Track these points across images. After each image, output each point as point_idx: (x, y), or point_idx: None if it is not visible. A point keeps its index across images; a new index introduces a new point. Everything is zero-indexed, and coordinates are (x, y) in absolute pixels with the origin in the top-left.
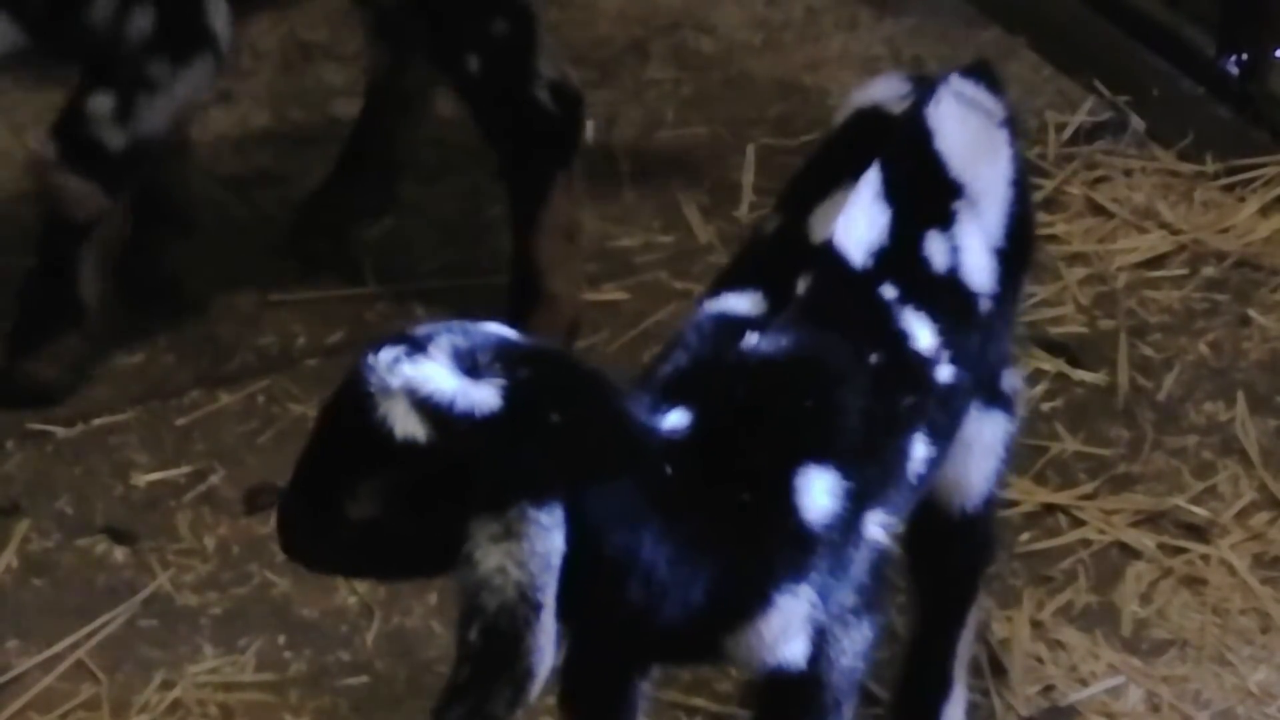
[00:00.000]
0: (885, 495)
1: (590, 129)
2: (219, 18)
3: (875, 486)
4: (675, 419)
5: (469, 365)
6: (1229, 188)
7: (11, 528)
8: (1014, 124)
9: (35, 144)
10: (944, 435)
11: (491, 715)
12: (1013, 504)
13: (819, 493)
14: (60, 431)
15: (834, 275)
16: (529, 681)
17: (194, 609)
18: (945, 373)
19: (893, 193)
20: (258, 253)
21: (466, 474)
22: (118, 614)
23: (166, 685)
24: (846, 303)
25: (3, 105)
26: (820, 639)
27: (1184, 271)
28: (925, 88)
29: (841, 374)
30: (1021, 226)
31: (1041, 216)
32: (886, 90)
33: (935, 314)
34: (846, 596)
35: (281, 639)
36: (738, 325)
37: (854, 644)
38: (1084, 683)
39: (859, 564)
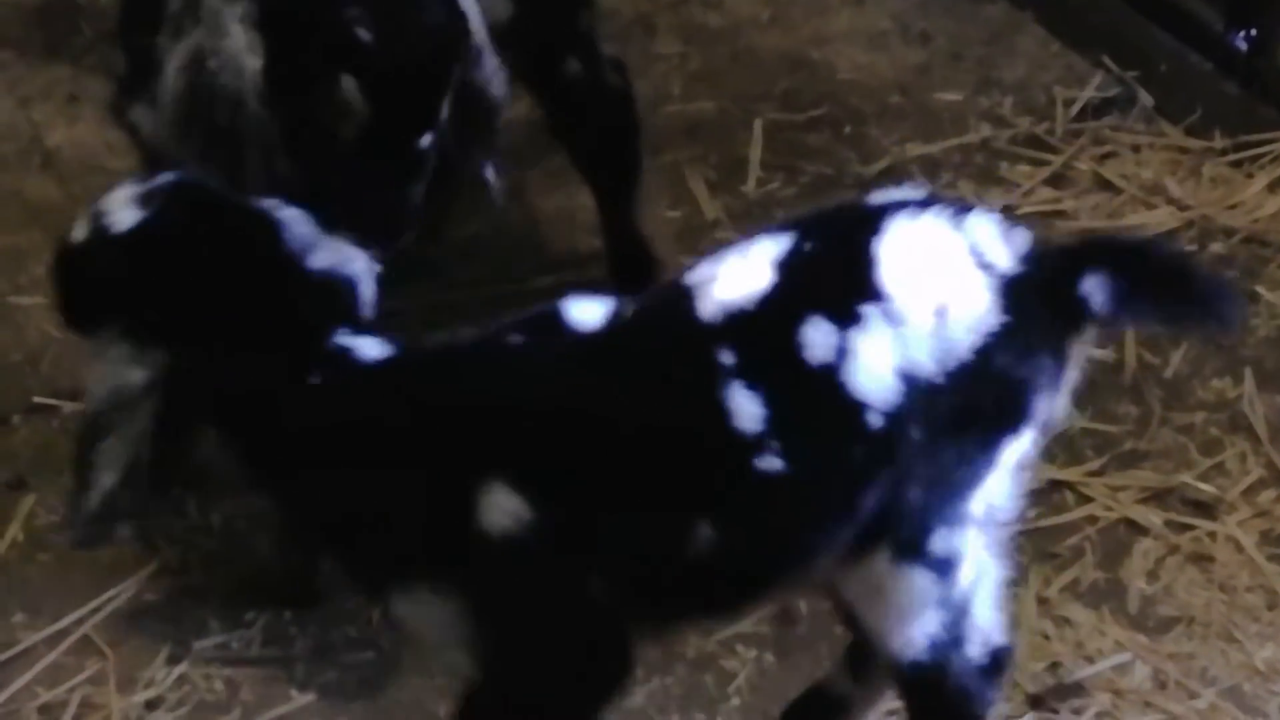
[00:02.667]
0: (622, 560)
1: (637, 141)
2: None
3: (605, 544)
4: (378, 351)
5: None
6: (1237, 164)
7: (18, 502)
8: (1021, 288)
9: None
10: (755, 527)
11: (76, 505)
12: None
13: (498, 511)
14: (67, 406)
15: (666, 318)
16: (85, 487)
17: (200, 584)
18: (768, 463)
19: (792, 264)
20: None
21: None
22: (124, 589)
23: (173, 660)
24: (662, 350)
25: (7, 79)
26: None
27: (1192, 248)
28: (926, 202)
29: (584, 416)
30: (994, 387)
31: (1049, 192)
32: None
33: (777, 400)
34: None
35: (287, 614)
36: (557, 330)
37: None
38: (1090, 659)
39: (547, 614)
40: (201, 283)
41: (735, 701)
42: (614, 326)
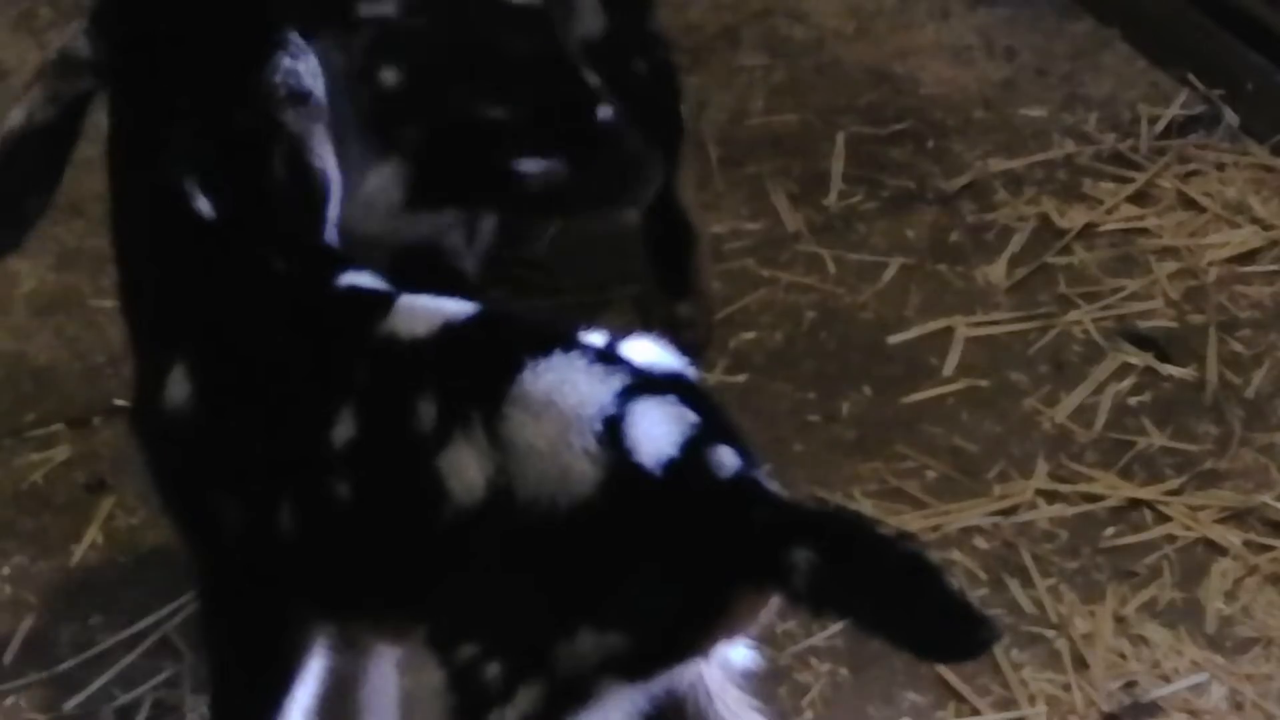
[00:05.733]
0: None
1: (681, 114)
2: None
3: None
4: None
5: None
6: None
7: (97, 504)
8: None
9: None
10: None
11: None
12: (1098, 498)
13: (176, 386)
14: None
15: (358, 309)
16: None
17: None
18: (340, 488)
19: (450, 335)
20: None
21: None
22: None
23: None
24: (330, 331)
25: None
26: None
27: (1275, 267)
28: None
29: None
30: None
31: (1132, 209)
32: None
33: (366, 440)
34: None
35: None
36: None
37: None
38: (1167, 679)
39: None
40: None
41: (809, 715)
42: (327, 295)
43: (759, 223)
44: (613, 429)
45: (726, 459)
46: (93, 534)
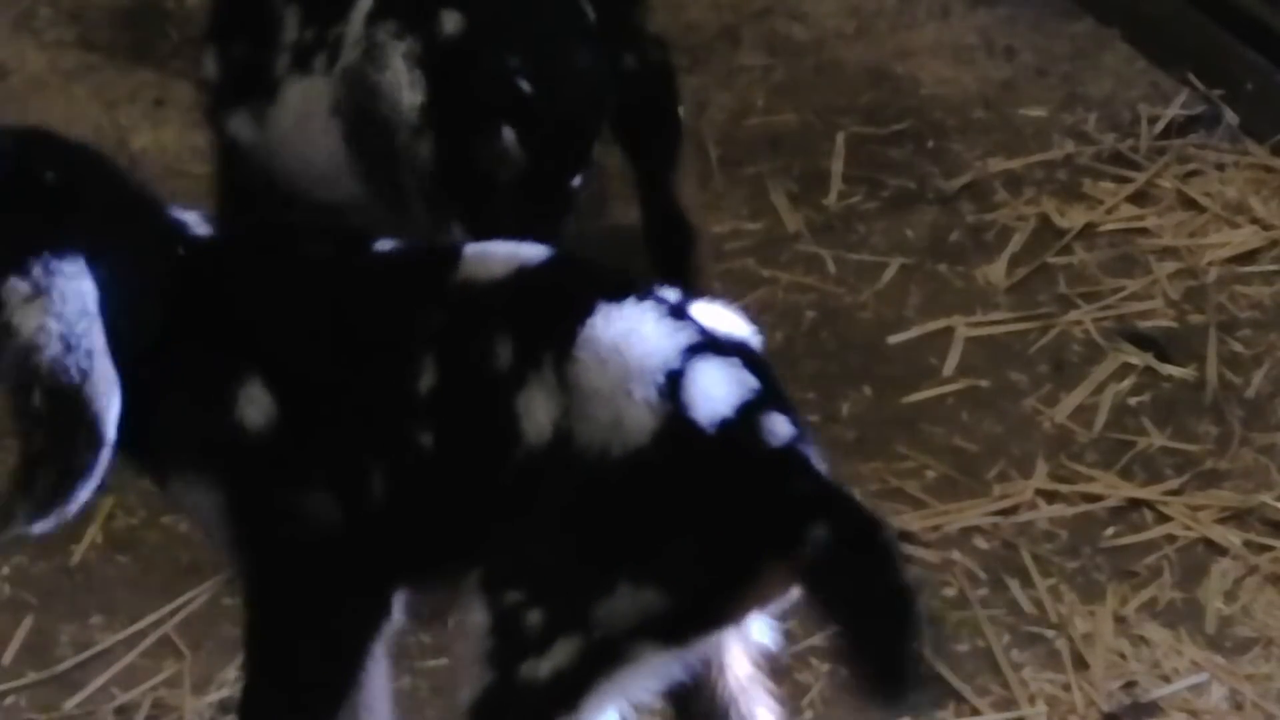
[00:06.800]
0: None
1: (680, 115)
2: None
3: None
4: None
5: None
6: None
7: (97, 504)
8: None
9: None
10: (409, 490)
11: (76, 470)
12: (1098, 498)
13: (252, 405)
14: None
15: (426, 268)
16: (101, 426)
17: None
18: (424, 436)
19: (523, 280)
20: None
21: None
22: (201, 591)
23: None
24: (399, 294)
25: (96, 82)
26: None
27: (1275, 267)
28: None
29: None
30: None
31: (1132, 209)
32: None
33: (447, 388)
34: None
35: None
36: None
37: None
38: (1167, 679)
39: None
40: (75, 192)
41: (808, 715)
42: (384, 261)
43: (759, 223)
44: (673, 383)
45: (780, 427)
46: (93, 534)
